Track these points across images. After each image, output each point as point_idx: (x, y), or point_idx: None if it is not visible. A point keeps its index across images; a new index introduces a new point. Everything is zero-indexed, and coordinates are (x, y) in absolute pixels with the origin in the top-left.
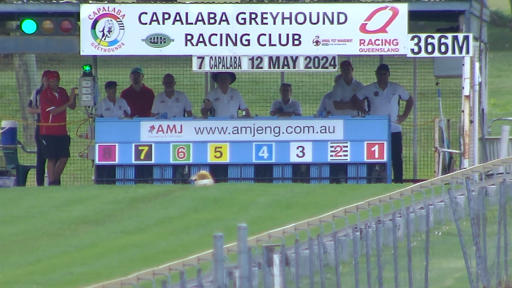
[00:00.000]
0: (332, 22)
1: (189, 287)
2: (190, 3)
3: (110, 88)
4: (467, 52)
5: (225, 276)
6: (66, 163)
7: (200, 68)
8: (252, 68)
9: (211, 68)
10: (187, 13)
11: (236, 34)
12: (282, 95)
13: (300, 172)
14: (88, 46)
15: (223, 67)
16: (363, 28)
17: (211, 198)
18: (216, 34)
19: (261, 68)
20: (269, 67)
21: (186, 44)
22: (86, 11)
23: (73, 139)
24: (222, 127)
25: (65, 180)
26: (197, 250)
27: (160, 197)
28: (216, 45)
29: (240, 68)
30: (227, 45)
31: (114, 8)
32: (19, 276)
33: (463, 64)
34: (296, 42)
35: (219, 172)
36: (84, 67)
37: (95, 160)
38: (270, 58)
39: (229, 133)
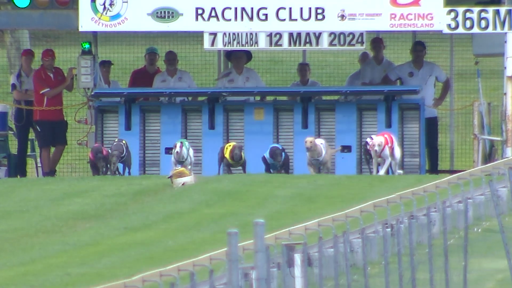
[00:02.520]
0: None
1: None
2: None
3: (104, 67)
4: (510, 28)
5: (241, 277)
6: (63, 151)
7: (212, 45)
8: (270, 45)
9: (225, 46)
10: None
11: (252, 8)
12: (300, 76)
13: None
14: (87, 21)
15: (238, 45)
16: (394, 1)
17: (224, 191)
18: (230, 8)
19: (280, 45)
20: (289, 45)
21: (196, 19)
22: None
23: (70, 125)
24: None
25: (61, 171)
26: (209, 248)
27: (167, 189)
28: (230, 20)
29: (257, 46)
30: (242, 20)
31: None
32: (11, 277)
33: (506, 41)
34: (320, 16)
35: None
36: (83, 44)
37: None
38: (290, 34)
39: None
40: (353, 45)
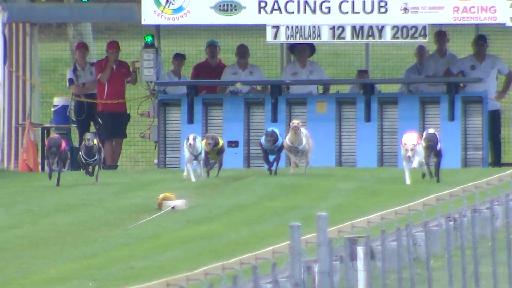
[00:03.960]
0: None
1: (263, 284)
2: None
3: (177, 60)
4: None
5: (303, 271)
6: (121, 144)
7: (275, 38)
8: (333, 38)
9: (287, 39)
10: None
11: (315, 1)
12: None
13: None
14: (150, 14)
15: (301, 38)
16: None
17: (287, 184)
18: (293, 1)
19: (343, 38)
20: (352, 38)
21: (259, 12)
22: None
23: (133, 118)
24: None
25: (124, 164)
26: (271, 241)
27: (230, 182)
28: (293, 13)
29: (320, 39)
30: (305, 13)
31: None
32: (74, 270)
33: None
34: (382, 9)
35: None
36: (146, 37)
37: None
38: (353, 27)
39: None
40: (416, 38)
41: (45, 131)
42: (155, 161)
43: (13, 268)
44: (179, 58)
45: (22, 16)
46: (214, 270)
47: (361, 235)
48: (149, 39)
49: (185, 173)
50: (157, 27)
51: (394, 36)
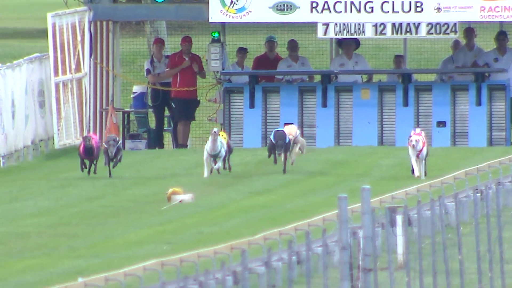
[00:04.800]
0: None
1: (315, 247)
2: None
3: (240, 53)
4: None
5: (350, 236)
6: (190, 126)
7: (325, 34)
8: (376, 34)
9: (336, 35)
10: None
11: (360, 2)
12: (396, 67)
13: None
14: (216, 13)
15: (347, 34)
16: None
17: (336, 161)
18: (340, 2)
19: (384, 34)
20: (392, 34)
21: (311, 11)
22: None
23: (202, 103)
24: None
25: (194, 143)
26: (322, 210)
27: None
28: (340, 12)
29: (364, 35)
30: (351, 12)
31: None
32: (151, 236)
33: None
34: (418, 9)
35: (345, 138)
36: (213, 33)
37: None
38: (393, 24)
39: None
40: (447, 34)
41: (125, 115)
42: None
43: (97, 233)
44: (242, 51)
45: (106, 15)
46: (272, 236)
47: (400, 205)
48: (216, 35)
49: (205, 174)
50: (223, 24)
51: (428, 32)
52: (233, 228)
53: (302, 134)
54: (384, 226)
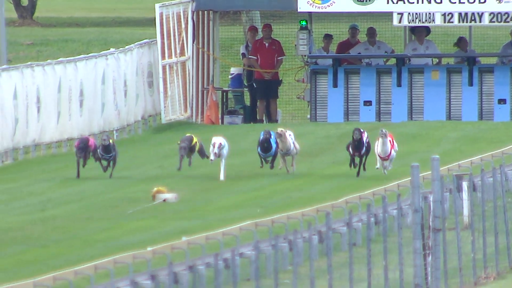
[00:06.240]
0: None
1: (390, 210)
2: None
3: (326, 39)
4: None
5: (421, 200)
6: (276, 103)
7: (399, 22)
8: (444, 22)
9: (409, 23)
10: None
11: None
12: (461, 48)
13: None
14: (304, 4)
15: (419, 22)
16: None
17: (409, 134)
18: None
19: (452, 22)
20: (459, 22)
21: (387, 2)
22: None
23: (291, 83)
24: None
25: (284, 119)
26: (397, 177)
27: (365, 132)
28: (413, 3)
29: (434, 23)
30: (422, 3)
31: None
32: (245, 200)
33: None
34: (482, 0)
35: (417, 114)
36: (301, 22)
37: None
38: (460, 14)
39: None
40: (508, 22)
41: (224, 93)
42: (308, 116)
43: (199, 198)
44: (328, 37)
45: (207, 6)
46: (353, 200)
47: (466, 173)
48: (303, 23)
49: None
50: (310, 13)
51: (491, 21)
52: (318, 194)
53: (379, 109)
54: (452, 191)
